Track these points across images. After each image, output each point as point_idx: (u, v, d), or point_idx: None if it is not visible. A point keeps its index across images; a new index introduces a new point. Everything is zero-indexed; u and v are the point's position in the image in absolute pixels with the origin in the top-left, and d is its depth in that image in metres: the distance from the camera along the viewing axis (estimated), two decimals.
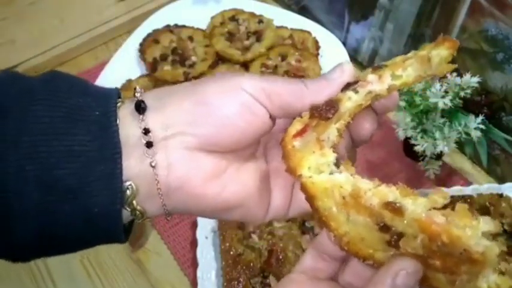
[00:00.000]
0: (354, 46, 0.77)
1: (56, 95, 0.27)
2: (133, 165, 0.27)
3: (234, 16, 0.77)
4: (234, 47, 0.73)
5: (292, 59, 0.71)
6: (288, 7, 0.84)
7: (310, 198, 0.26)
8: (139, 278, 0.58)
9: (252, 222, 0.31)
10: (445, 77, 0.58)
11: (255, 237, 0.55)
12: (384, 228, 0.26)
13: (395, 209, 0.26)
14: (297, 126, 0.28)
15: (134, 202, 0.27)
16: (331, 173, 0.27)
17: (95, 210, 0.27)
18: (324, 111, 0.27)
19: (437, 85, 0.57)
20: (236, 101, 0.28)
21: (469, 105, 0.59)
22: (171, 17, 0.78)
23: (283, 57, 0.72)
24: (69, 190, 0.26)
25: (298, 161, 0.27)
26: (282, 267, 0.53)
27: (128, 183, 0.27)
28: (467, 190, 0.60)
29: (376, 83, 0.28)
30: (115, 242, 0.29)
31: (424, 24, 0.66)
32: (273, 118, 0.29)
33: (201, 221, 0.59)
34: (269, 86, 0.28)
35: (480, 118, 0.56)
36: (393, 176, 0.66)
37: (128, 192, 0.27)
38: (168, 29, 0.76)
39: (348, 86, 0.28)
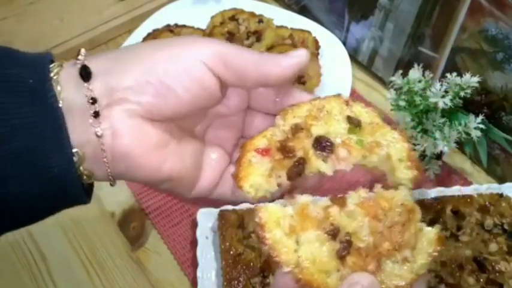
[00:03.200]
0: (354, 46, 0.77)
1: None
2: (79, 133, 0.27)
3: (234, 16, 0.77)
4: None
5: None
6: (288, 7, 0.84)
7: (261, 228, 0.28)
8: (139, 278, 0.58)
9: (177, 196, 0.33)
10: (444, 77, 0.58)
11: (255, 237, 0.55)
12: (333, 233, 0.27)
13: (337, 201, 0.29)
14: (262, 142, 0.29)
15: (81, 168, 0.28)
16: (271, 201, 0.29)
17: (54, 172, 0.27)
18: (294, 167, 0.29)
19: (437, 85, 0.57)
20: (185, 71, 0.28)
21: (469, 105, 0.59)
22: (171, 17, 0.78)
23: None
24: (24, 161, 0.26)
25: (247, 174, 0.29)
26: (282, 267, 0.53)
27: (74, 150, 0.27)
28: (467, 190, 0.60)
29: (341, 161, 0.30)
30: (77, 203, 0.29)
31: (424, 24, 0.66)
32: (223, 89, 0.29)
33: (201, 220, 0.59)
34: (226, 51, 0.28)
35: (480, 118, 0.56)
36: None
37: (75, 158, 0.27)
38: (168, 28, 0.76)
39: (320, 144, 0.29)
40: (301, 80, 0.69)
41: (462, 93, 0.57)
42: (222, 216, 0.57)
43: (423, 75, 0.59)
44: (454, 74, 0.57)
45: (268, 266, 0.53)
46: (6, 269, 0.59)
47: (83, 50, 0.28)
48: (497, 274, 0.53)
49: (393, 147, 0.30)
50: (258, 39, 0.73)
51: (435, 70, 0.66)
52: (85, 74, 0.27)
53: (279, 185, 0.30)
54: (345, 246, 0.27)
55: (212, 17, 0.78)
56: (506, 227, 0.56)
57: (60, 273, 0.59)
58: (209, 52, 0.28)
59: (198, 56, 0.28)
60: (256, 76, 0.29)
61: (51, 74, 0.27)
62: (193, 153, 0.31)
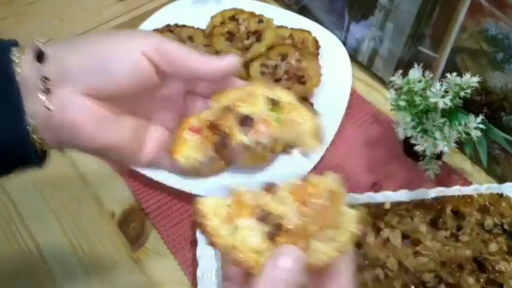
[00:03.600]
0: (354, 46, 0.77)
1: None
2: (33, 106, 0.32)
3: (234, 16, 0.77)
4: (234, 46, 0.73)
5: (292, 59, 0.71)
6: (288, 7, 0.84)
7: (200, 219, 0.32)
8: (139, 278, 0.58)
9: (126, 164, 0.42)
10: (444, 77, 0.58)
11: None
12: (264, 217, 0.31)
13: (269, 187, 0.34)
14: (195, 122, 0.36)
15: (34, 136, 0.33)
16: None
17: (8, 137, 0.32)
18: (220, 141, 0.35)
19: (437, 85, 0.57)
20: (125, 57, 0.33)
21: (469, 105, 0.59)
22: (171, 17, 0.78)
23: (283, 57, 0.72)
24: None
25: (180, 148, 0.35)
26: None
27: (28, 119, 0.32)
28: (467, 190, 0.61)
29: (260, 135, 0.36)
30: (31, 166, 0.35)
31: (424, 24, 0.66)
32: (160, 75, 0.34)
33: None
34: (162, 44, 0.34)
35: (480, 118, 0.56)
36: (393, 176, 0.66)
37: (28, 127, 0.32)
38: (168, 28, 0.76)
39: (243, 121, 0.35)
40: (301, 80, 0.69)
41: (462, 93, 0.57)
42: None
43: (423, 75, 0.59)
44: (454, 74, 0.57)
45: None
46: (7, 268, 0.59)
47: (43, 40, 0.34)
48: (497, 274, 0.53)
49: (304, 124, 0.35)
50: (258, 39, 0.73)
51: (435, 70, 0.66)
52: (40, 57, 0.33)
53: (207, 156, 0.36)
54: (275, 229, 0.31)
55: (212, 17, 0.78)
56: (506, 227, 0.56)
57: (60, 273, 0.59)
58: (147, 43, 0.33)
59: (137, 45, 0.33)
60: (185, 70, 0.34)
61: (13, 57, 0.33)
62: (133, 128, 0.36)
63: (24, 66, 0.33)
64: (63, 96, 0.32)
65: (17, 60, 0.33)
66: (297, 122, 0.36)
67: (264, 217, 0.31)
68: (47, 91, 0.32)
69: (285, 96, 0.37)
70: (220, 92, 0.37)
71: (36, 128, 0.33)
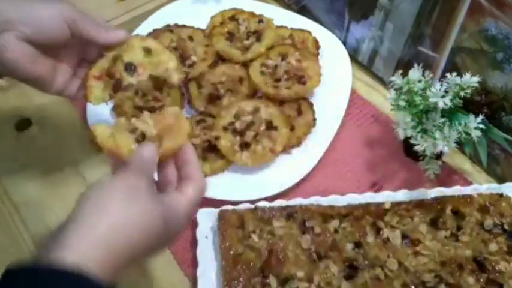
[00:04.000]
0: (354, 46, 0.77)
1: None
2: None
3: (234, 16, 0.77)
4: (234, 46, 0.73)
5: (292, 59, 0.71)
6: (288, 7, 0.85)
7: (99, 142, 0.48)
8: (140, 278, 0.58)
9: (42, 91, 0.52)
10: (444, 77, 0.58)
11: (254, 237, 0.55)
12: (134, 130, 0.48)
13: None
14: (97, 69, 0.51)
15: None
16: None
17: None
18: (115, 84, 0.51)
19: (437, 85, 0.57)
20: (55, 19, 0.48)
21: (469, 105, 0.59)
22: (171, 17, 0.78)
23: (283, 57, 0.72)
24: None
25: (89, 93, 0.51)
26: (282, 267, 0.53)
27: None
28: (467, 190, 0.61)
29: (140, 75, 0.51)
30: None
31: (424, 24, 0.66)
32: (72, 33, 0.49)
33: (201, 220, 0.59)
34: (79, 18, 0.49)
35: (480, 118, 0.56)
36: (393, 176, 0.66)
37: None
38: (168, 28, 0.76)
39: (128, 67, 0.51)
40: (302, 80, 0.69)
41: (462, 93, 0.57)
42: (222, 216, 0.57)
43: (423, 75, 0.59)
44: (454, 74, 0.57)
45: (268, 266, 0.53)
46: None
47: None
48: (497, 274, 0.53)
49: (169, 63, 0.51)
50: (258, 39, 0.73)
51: (435, 70, 0.66)
52: None
53: (110, 95, 0.51)
54: (141, 136, 0.47)
55: (212, 17, 0.78)
56: (506, 226, 0.56)
57: None
58: (65, 12, 0.49)
59: (62, 13, 0.48)
60: (93, 36, 0.50)
61: None
62: (51, 66, 0.50)
63: None
64: (7, 40, 0.45)
65: None
66: (164, 62, 0.51)
67: (134, 131, 0.48)
68: None
69: (154, 44, 0.52)
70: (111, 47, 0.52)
71: None
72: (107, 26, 0.51)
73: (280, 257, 0.54)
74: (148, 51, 0.52)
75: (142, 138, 0.47)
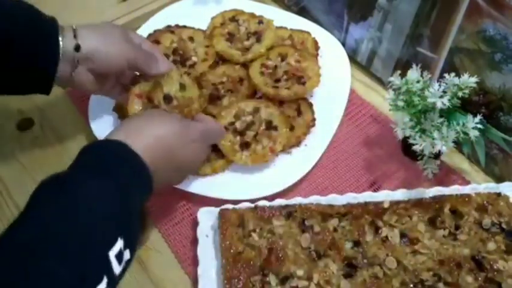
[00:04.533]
0: (353, 46, 0.77)
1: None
2: (63, 69, 0.56)
3: (234, 17, 0.78)
4: (234, 47, 0.74)
5: (292, 59, 0.72)
6: (287, 8, 0.85)
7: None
8: (140, 276, 0.59)
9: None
10: (442, 77, 0.59)
11: (255, 235, 0.56)
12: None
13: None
14: (139, 89, 0.62)
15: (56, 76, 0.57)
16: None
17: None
18: (153, 106, 0.61)
19: (436, 85, 0.57)
20: (117, 58, 0.58)
21: (467, 105, 0.60)
22: (172, 18, 0.79)
23: (283, 58, 0.72)
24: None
25: (131, 107, 0.61)
26: (281, 265, 0.54)
27: (57, 75, 0.56)
28: (466, 189, 0.61)
29: (174, 108, 0.62)
30: (43, 89, 0.58)
31: (422, 25, 0.67)
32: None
33: (201, 219, 0.60)
34: (137, 60, 0.60)
35: (478, 118, 0.57)
36: (391, 175, 0.66)
37: (57, 74, 0.56)
38: (169, 29, 0.77)
39: (165, 98, 0.61)
40: (301, 80, 0.70)
41: (460, 94, 0.57)
42: (222, 215, 0.58)
43: (421, 75, 0.60)
44: (452, 74, 0.58)
45: (268, 265, 0.54)
46: None
47: (77, 29, 0.57)
48: (496, 273, 0.53)
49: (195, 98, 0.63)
50: (258, 40, 0.74)
51: (433, 70, 0.67)
52: (76, 49, 0.56)
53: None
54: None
55: (212, 18, 0.78)
56: (504, 226, 0.57)
57: None
58: (130, 54, 0.59)
59: (124, 54, 0.59)
60: (143, 71, 0.62)
61: (62, 39, 0.56)
62: (102, 83, 0.62)
63: (66, 50, 0.56)
64: (80, 70, 0.57)
65: (62, 48, 0.55)
66: (192, 97, 0.63)
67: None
68: (75, 67, 0.56)
69: (186, 80, 0.64)
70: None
71: (57, 80, 0.57)
72: (158, 57, 0.62)
73: (280, 255, 0.54)
74: (183, 86, 0.63)
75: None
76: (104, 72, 0.59)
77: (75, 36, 0.55)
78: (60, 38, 0.55)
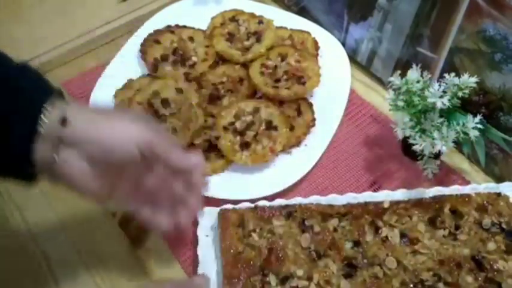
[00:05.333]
0: (353, 46, 0.77)
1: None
2: (43, 151, 0.41)
3: (234, 17, 0.78)
4: (234, 47, 0.74)
5: (292, 59, 0.72)
6: (287, 8, 0.85)
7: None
8: (141, 277, 0.59)
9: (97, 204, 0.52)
10: (442, 77, 0.59)
11: (255, 235, 0.56)
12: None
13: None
14: (140, 97, 0.67)
15: (38, 169, 0.42)
16: None
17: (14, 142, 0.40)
18: (153, 112, 0.65)
19: (436, 85, 0.57)
20: (125, 145, 0.43)
21: (467, 105, 0.60)
22: (172, 18, 0.79)
23: (283, 58, 0.72)
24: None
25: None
26: (281, 265, 0.54)
27: (36, 157, 0.41)
28: (466, 189, 0.61)
29: None
30: (23, 176, 0.43)
31: (422, 25, 0.67)
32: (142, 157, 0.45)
33: (201, 219, 0.59)
34: (156, 143, 0.45)
35: (478, 118, 0.57)
36: (391, 175, 0.66)
37: (34, 163, 0.41)
38: (169, 29, 0.77)
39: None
40: (301, 80, 0.70)
41: (460, 94, 0.57)
42: (222, 215, 0.58)
43: (421, 75, 0.60)
44: (452, 74, 0.58)
45: (268, 265, 0.54)
46: (9, 268, 0.60)
47: (70, 102, 0.43)
48: (496, 273, 0.53)
49: (192, 99, 0.67)
50: (258, 40, 0.74)
51: (433, 70, 0.67)
52: (63, 121, 0.41)
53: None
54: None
55: (212, 18, 0.78)
56: (504, 226, 0.57)
57: (61, 273, 0.59)
58: (143, 138, 0.44)
59: (135, 138, 0.44)
60: (164, 162, 0.47)
61: (47, 109, 0.41)
62: (109, 184, 0.46)
63: (48, 123, 0.41)
64: (69, 156, 0.41)
65: (45, 119, 0.41)
66: (189, 99, 0.66)
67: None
68: (57, 147, 0.41)
69: (183, 84, 0.68)
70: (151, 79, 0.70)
71: (39, 166, 0.41)
72: (181, 147, 0.48)
73: (280, 255, 0.54)
74: (180, 90, 0.67)
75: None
76: (106, 161, 0.43)
77: (63, 107, 0.41)
78: (46, 107, 0.41)
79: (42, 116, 0.40)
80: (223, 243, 0.56)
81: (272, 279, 0.53)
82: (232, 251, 0.55)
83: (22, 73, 0.42)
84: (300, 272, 0.53)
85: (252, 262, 0.54)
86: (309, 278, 0.53)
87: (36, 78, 0.43)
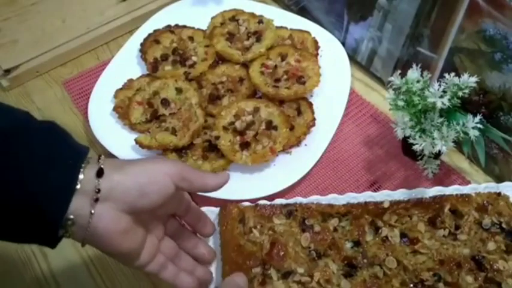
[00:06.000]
0: (353, 46, 0.77)
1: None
2: (80, 206, 0.40)
3: (234, 16, 0.78)
4: (234, 47, 0.74)
5: (292, 59, 0.72)
6: (287, 8, 0.85)
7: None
8: (141, 277, 0.59)
9: (123, 263, 0.48)
10: (443, 77, 0.59)
11: (256, 232, 0.55)
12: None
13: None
14: (140, 96, 0.68)
15: (70, 229, 0.40)
16: None
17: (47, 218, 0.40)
18: (153, 112, 0.67)
19: (436, 85, 0.57)
20: (159, 183, 0.44)
21: (467, 104, 0.60)
22: (172, 18, 0.79)
23: (283, 57, 0.72)
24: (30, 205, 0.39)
25: (131, 114, 0.67)
26: (283, 261, 0.53)
27: (71, 216, 0.40)
28: (466, 189, 0.61)
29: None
30: (46, 244, 0.42)
31: (422, 25, 0.67)
32: (177, 193, 0.46)
33: None
34: (185, 170, 0.45)
35: (478, 117, 0.57)
36: (391, 175, 0.66)
37: (69, 222, 0.40)
38: (169, 29, 0.77)
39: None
40: (301, 80, 0.70)
41: (460, 93, 0.57)
42: (224, 207, 0.57)
43: (421, 75, 0.60)
44: (452, 74, 0.58)
45: (270, 259, 0.53)
46: (9, 268, 0.60)
47: (102, 157, 0.43)
48: (496, 273, 0.53)
49: (192, 99, 0.68)
50: (258, 40, 0.74)
51: (433, 70, 0.67)
52: (99, 174, 0.41)
53: (146, 119, 0.68)
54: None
55: (212, 18, 0.78)
56: (504, 225, 0.56)
57: (63, 274, 0.59)
58: (174, 170, 0.45)
59: (167, 172, 0.44)
60: (200, 187, 0.47)
61: (82, 166, 0.41)
62: (142, 238, 0.46)
63: (87, 175, 0.41)
64: (104, 209, 0.41)
65: (83, 170, 0.41)
66: (189, 98, 0.67)
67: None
68: (96, 199, 0.41)
69: (182, 83, 0.68)
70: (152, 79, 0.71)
71: (74, 224, 0.41)
72: (208, 172, 0.51)
73: (282, 251, 0.54)
74: (179, 90, 0.68)
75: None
76: (141, 206, 0.43)
77: (98, 161, 0.42)
78: (82, 166, 0.41)
79: (80, 176, 0.40)
80: (223, 236, 0.55)
81: (273, 273, 0.52)
82: (233, 243, 0.54)
83: (52, 135, 0.42)
84: (300, 270, 0.53)
85: (253, 255, 0.53)
86: (310, 276, 0.53)
87: (66, 138, 0.43)
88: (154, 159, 0.51)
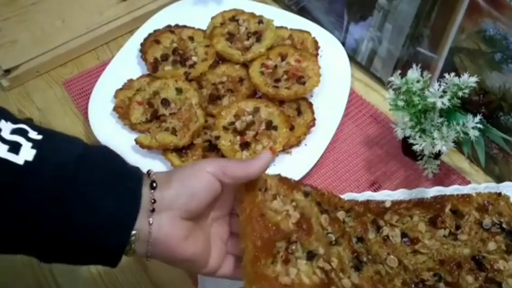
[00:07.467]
0: (353, 46, 0.77)
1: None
2: (140, 221, 0.41)
3: (234, 16, 0.78)
4: (234, 47, 0.74)
5: (292, 59, 0.72)
6: (287, 8, 0.85)
7: None
8: (142, 277, 0.59)
9: (192, 272, 0.49)
10: (443, 77, 0.59)
11: (278, 200, 0.49)
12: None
13: None
14: (140, 96, 0.68)
15: (134, 245, 0.41)
16: None
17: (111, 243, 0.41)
18: (153, 112, 0.68)
19: (436, 85, 0.57)
20: (203, 180, 0.44)
21: (467, 104, 0.60)
22: (172, 18, 0.79)
23: (283, 57, 0.72)
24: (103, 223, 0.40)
25: (132, 114, 0.68)
26: (309, 236, 0.48)
27: (134, 231, 0.41)
28: (466, 189, 0.61)
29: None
30: (108, 264, 0.42)
31: (422, 25, 0.67)
32: (223, 186, 0.45)
33: None
34: (225, 167, 0.45)
35: (478, 118, 0.57)
36: (391, 175, 0.66)
37: (133, 238, 0.41)
38: (169, 29, 0.77)
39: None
40: (301, 80, 0.70)
41: (460, 93, 0.57)
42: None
43: (421, 75, 0.60)
44: (452, 74, 0.58)
45: (299, 229, 0.48)
46: (9, 268, 0.60)
47: (152, 171, 0.44)
48: (496, 273, 0.53)
49: (192, 99, 0.68)
50: (258, 40, 0.74)
51: (433, 70, 0.67)
52: (152, 187, 0.42)
53: (146, 119, 0.68)
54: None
55: (212, 18, 0.78)
56: (504, 225, 0.56)
57: (63, 273, 0.59)
58: (215, 167, 0.45)
59: (209, 170, 0.44)
60: (244, 177, 0.46)
61: (142, 184, 0.42)
62: (205, 239, 0.46)
63: (144, 194, 0.42)
64: (161, 218, 0.42)
65: (144, 187, 0.42)
66: (189, 98, 0.67)
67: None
68: (152, 211, 0.42)
69: (182, 84, 0.69)
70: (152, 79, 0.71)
71: (137, 239, 0.41)
72: (247, 161, 0.49)
73: (309, 225, 0.49)
74: (179, 90, 0.68)
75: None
76: (195, 209, 0.44)
77: (148, 175, 0.44)
78: (143, 189, 0.42)
79: (140, 201, 0.41)
80: (244, 210, 0.47)
81: (299, 250, 0.47)
82: (256, 212, 0.47)
83: (111, 160, 0.43)
84: (321, 251, 0.48)
85: (276, 227, 0.47)
86: (327, 262, 0.48)
87: (122, 161, 0.44)
88: (196, 161, 0.52)
